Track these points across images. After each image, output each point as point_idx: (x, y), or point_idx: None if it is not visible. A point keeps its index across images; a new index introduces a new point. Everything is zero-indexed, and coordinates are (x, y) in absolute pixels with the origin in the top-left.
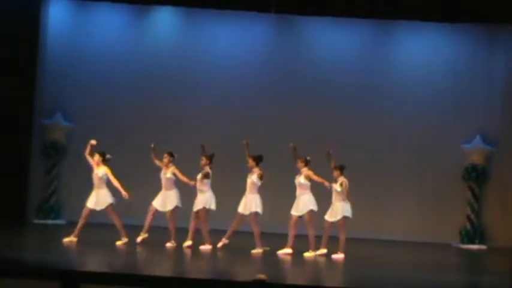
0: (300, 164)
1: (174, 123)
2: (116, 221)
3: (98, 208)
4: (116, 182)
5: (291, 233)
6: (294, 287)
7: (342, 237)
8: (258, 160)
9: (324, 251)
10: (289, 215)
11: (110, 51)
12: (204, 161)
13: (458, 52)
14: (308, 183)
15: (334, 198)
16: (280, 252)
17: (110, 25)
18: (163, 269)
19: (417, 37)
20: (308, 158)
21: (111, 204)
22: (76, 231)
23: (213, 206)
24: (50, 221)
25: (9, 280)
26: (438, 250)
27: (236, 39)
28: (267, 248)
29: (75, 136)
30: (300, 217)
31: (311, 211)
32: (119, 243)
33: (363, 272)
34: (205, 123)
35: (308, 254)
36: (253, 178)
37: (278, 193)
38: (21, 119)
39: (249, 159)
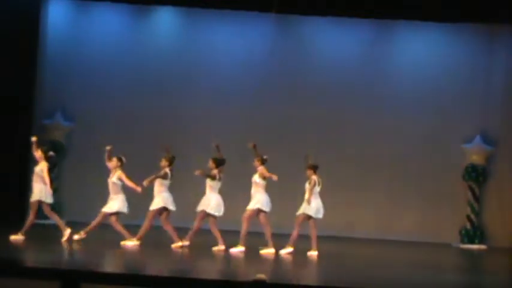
0: (256, 163)
1: (174, 123)
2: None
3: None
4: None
5: (243, 227)
6: (294, 287)
7: (314, 236)
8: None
9: (289, 249)
10: (289, 214)
11: (110, 52)
12: (163, 162)
13: (458, 52)
14: (263, 182)
15: (307, 195)
16: (263, 252)
17: (110, 25)
18: (163, 269)
19: (417, 37)
20: (265, 157)
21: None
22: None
23: (171, 207)
24: (50, 221)
25: (9, 280)
26: (438, 250)
27: (236, 39)
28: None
29: (75, 136)
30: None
31: (260, 210)
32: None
33: (363, 272)
34: (206, 123)
35: (263, 252)
36: (255, 178)
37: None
38: (21, 119)
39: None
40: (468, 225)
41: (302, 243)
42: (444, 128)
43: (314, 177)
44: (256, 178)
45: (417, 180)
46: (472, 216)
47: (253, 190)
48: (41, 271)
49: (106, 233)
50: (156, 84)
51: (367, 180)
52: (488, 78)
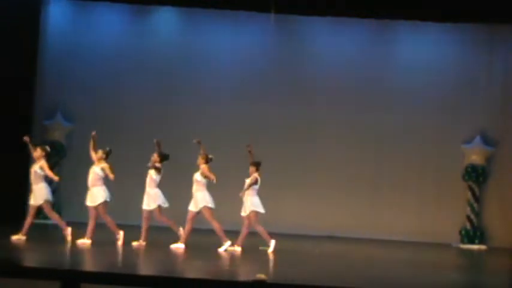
0: (200, 160)
1: (174, 122)
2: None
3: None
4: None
5: (187, 227)
6: (294, 286)
7: (245, 232)
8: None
9: (238, 248)
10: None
11: (110, 51)
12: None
13: (458, 52)
14: (204, 180)
15: (246, 193)
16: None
17: (110, 25)
18: (162, 268)
19: (417, 37)
20: (210, 156)
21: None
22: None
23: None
24: (50, 221)
25: (9, 280)
26: (438, 250)
27: (236, 39)
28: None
29: (75, 136)
30: (198, 213)
31: (206, 208)
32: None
33: (363, 272)
34: (206, 122)
35: (220, 249)
36: (196, 176)
37: (277, 191)
38: (21, 119)
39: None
40: (468, 226)
41: (299, 242)
42: (444, 128)
43: (256, 175)
44: (197, 176)
45: (417, 180)
46: (472, 217)
47: (194, 188)
48: (41, 271)
49: (106, 233)
50: (156, 84)
51: (366, 180)
52: (488, 78)
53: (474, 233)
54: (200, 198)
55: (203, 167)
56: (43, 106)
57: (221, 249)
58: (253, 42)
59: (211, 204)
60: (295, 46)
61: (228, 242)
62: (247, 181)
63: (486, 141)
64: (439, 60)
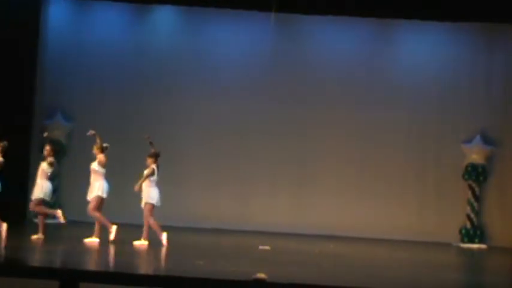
0: (96, 150)
1: (174, 122)
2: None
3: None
4: None
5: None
6: (294, 286)
7: (146, 224)
8: (155, 157)
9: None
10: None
11: (110, 51)
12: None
13: (459, 51)
14: (102, 170)
15: (144, 184)
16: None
17: (110, 25)
18: (162, 268)
19: (417, 36)
20: (105, 145)
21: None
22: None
23: (104, 195)
24: (50, 221)
25: (9, 280)
26: (438, 249)
27: (236, 38)
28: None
29: (75, 135)
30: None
31: (98, 197)
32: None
33: (363, 271)
34: (205, 122)
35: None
36: (93, 166)
37: (277, 190)
38: (21, 119)
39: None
40: (468, 225)
41: (299, 242)
42: (444, 127)
43: (153, 166)
44: (95, 166)
45: (417, 179)
46: (472, 216)
47: (92, 178)
48: (40, 270)
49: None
50: (156, 83)
51: (366, 179)
52: (489, 78)
53: (474, 232)
54: (95, 188)
55: (100, 156)
56: (43, 106)
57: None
58: (254, 41)
59: (102, 194)
60: (295, 45)
61: (114, 226)
62: (145, 172)
63: (486, 140)
64: (439, 59)
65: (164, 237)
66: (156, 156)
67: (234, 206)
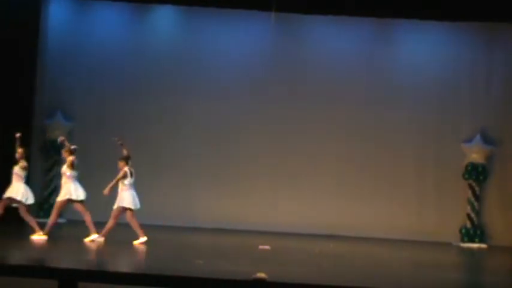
0: (65, 154)
1: (174, 121)
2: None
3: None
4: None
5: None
6: (294, 285)
7: (134, 224)
8: (126, 160)
9: (95, 236)
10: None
11: (110, 51)
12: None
13: (459, 51)
14: (71, 173)
15: (120, 188)
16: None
17: (110, 24)
18: (162, 267)
19: (417, 36)
20: (73, 147)
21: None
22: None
23: (74, 197)
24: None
25: (8, 279)
26: (438, 249)
27: (236, 37)
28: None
29: (75, 135)
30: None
31: (64, 201)
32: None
33: (363, 271)
34: (205, 121)
35: (87, 239)
36: (63, 169)
37: (277, 190)
38: (21, 119)
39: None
40: (468, 224)
41: (299, 242)
42: (444, 127)
43: (125, 169)
44: (64, 169)
45: (417, 178)
46: (472, 215)
47: (63, 180)
48: (39, 270)
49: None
50: (156, 83)
51: (366, 179)
52: (489, 78)
53: (474, 231)
54: (66, 191)
55: (69, 159)
56: (43, 106)
57: (88, 239)
58: (254, 40)
59: (75, 197)
60: (295, 45)
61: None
62: (118, 176)
63: (486, 139)
64: (439, 59)
65: (99, 238)
66: (126, 159)
67: (234, 205)
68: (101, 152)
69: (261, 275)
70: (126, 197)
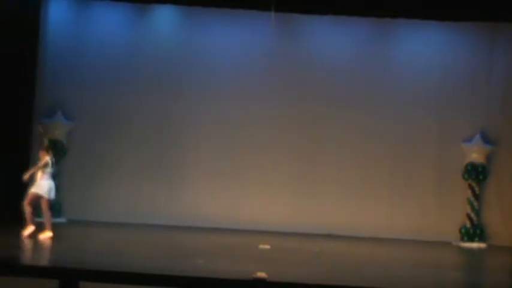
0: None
1: (174, 121)
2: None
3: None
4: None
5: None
6: (294, 285)
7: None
8: (47, 149)
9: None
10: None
11: (110, 50)
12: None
13: (459, 51)
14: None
15: (39, 176)
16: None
17: (110, 24)
18: (162, 267)
19: (417, 36)
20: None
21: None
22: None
23: (46, 195)
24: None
25: (8, 279)
26: (438, 248)
27: (235, 37)
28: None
29: (76, 134)
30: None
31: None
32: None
33: (363, 271)
34: (205, 121)
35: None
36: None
37: (277, 189)
38: (21, 119)
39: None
40: (468, 224)
41: (299, 241)
42: (444, 126)
43: (47, 158)
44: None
45: (417, 178)
46: (472, 215)
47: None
48: (39, 270)
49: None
50: (156, 82)
51: (367, 179)
52: (489, 77)
53: (474, 231)
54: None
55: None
56: (43, 105)
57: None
58: (253, 40)
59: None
60: (295, 45)
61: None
62: (38, 164)
63: (486, 139)
64: (439, 59)
65: (30, 230)
66: (48, 149)
67: (234, 205)
68: (100, 152)
69: (261, 274)
70: (44, 185)
